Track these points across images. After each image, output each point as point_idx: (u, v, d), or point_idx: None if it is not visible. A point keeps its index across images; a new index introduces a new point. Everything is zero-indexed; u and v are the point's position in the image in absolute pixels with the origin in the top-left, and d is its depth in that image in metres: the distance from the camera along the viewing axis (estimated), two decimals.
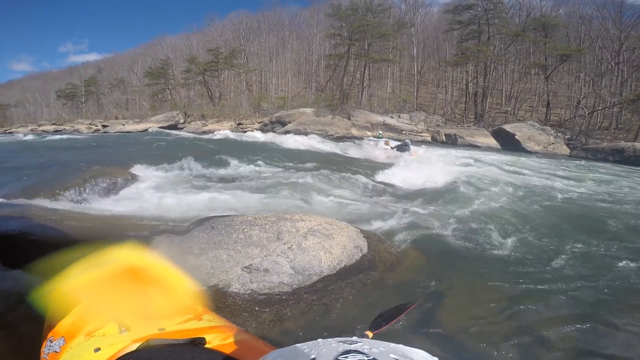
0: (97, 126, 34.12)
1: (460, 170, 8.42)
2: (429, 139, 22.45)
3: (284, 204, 4.98)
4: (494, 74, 29.07)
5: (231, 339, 0.95)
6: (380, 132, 20.82)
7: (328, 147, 13.96)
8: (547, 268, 3.33)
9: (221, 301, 2.32)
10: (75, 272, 0.98)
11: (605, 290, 2.95)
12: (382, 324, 1.15)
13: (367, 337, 1.06)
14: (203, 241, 2.80)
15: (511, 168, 10.50)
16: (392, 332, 2.15)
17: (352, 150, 12.66)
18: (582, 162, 14.63)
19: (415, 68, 34.11)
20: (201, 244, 2.77)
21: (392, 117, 25.08)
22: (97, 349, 0.86)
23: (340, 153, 12.07)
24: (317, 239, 2.87)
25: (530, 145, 19.41)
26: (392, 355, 0.42)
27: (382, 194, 6.26)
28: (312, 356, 0.43)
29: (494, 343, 2.25)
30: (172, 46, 45.73)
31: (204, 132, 23.40)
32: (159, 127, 26.40)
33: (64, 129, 34.28)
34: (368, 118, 23.79)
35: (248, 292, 2.42)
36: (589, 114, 23.08)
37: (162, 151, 9.79)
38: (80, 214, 3.85)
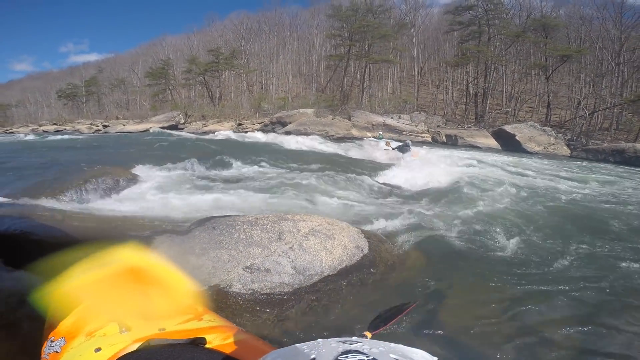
0: (97, 126, 34.17)
1: (462, 171, 8.43)
2: (430, 139, 22.44)
3: (287, 205, 4.99)
4: (494, 75, 29.06)
5: (231, 339, 0.95)
6: (381, 132, 20.83)
7: (329, 148, 13.98)
8: (550, 269, 3.32)
9: (222, 301, 2.32)
10: (76, 273, 0.98)
11: (608, 292, 2.94)
12: (380, 325, 1.15)
13: (366, 338, 1.05)
14: (204, 241, 2.80)
15: (513, 169, 10.49)
16: (393, 332, 2.15)
17: (353, 151, 12.67)
18: (584, 163, 14.60)
19: (416, 69, 34.11)
20: (202, 244, 2.77)
21: (392, 118, 25.08)
22: (98, 349, 0.86)
23: (342, 154, 12.07)
24: (318, 239, 2.87)
25: (530, 146, 19.40)
26: (392, 355, 0.42)
27: (383, 194, 6.26)
28: (312, 356, 0.43)
29: (494, 343, 2.24)
30: (173, 46, 45.76)
31: (205, 133, 23.43)
32: (160, 128, 26.43)
33: (65, 129, 34.33)
34: (368, 119, 23.78)
35: (249, 292, 2.42)
36: (589, 114, 23.06)
37: (165, 151, 9.81)
38: (81, 214, 3.86)
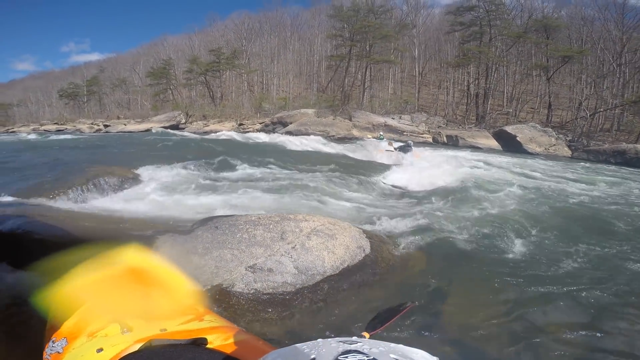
0: (99, 126, 34.30)
1: (465, 172, 8.42)
2: (430, 140, 22.46)
3: (291, 205, 5.00)
4: (495, 76, 29.06)
5: (232, 339, 0.95)
6: (382, 133, 20.81)
7: (332, 149, 14.02)
8: (556, 271, 3.29)
9: (225, 300, 2.32)
10: (78, 273, 0.98)
11: (614, 294, 2.91)
12: (378, 326, 1.15)
13: (365, 338, 1.05)
14: (207, 241, 2.80)
15: (519, 170, 10.48)
16: (393, 332, 2.15)
17: (355, 152, 12.69)
18: (587, 165, 14.57)
19: (417, 69, 34.10)
20: (205, 244, 2.77)
21: (393, 119, 25.09)
22: (100, 350, 0.85)
23: (344, 154, 12.09)
24: (320, 239, 2.87)
25: (531, 147, 19.39)
26: (392, 355, 0.42)
27: (385, 194, 6.27)
28: (312, 356, 0.43)
29: (496, 344, 2.24)
30: (174, 46, 45.83)
31: (206, 133, 23.48)
32: (162, 127, 26.51)
33: (66, 129, 34.51)
34: (369, 119, 23.80)
35: (252, 291, 2.42)
36: (590, 115, 23.04)
37: (169, 151, 9.84)
38: (84, 213, 3.87)
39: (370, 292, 2.71)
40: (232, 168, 7.64)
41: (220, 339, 0.94)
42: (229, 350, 0.90)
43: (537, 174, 9.80)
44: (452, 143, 21.35)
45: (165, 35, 49.70)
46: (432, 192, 6.29)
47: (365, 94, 31.51)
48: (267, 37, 41.68)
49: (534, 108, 28.94)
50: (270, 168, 7.94)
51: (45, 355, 0.90)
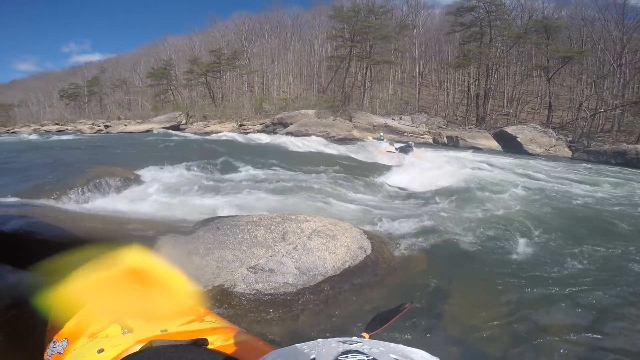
0: (99, 126, 34.32)
1: (466, 173, 8.39)
2: (431, 141, 22.46)
3: (295, 206, 4.99)
4: (495, 76, 29.07)
5: (233, 340, 0.95)
6: (382, 134, 20.82)
7: (333, 149, 14.01)
8: (558, 272, 3.26)
9: (226, 301, 2.32)
10: (79, 275, 0.98)
11: (617, 295, 2.90)
12: (377, 326, 1.15)
13: (364, 339, 1.05)
14: (209, 241, 2.80)
15: (521, 170, 10.45)
16: (394, 333, 2.14)
17: (356, 153, 12.69)
18: (589, 165, 14.54)
19: (417, 70, 34.11)
20: (207, 244, 2.77)
21: (393, 119, 25.11)
22: (101, 350, 0.85)
23: (346, 155, 12.08)
24: (321, 240, 2.87)
25: (532, 148, 19.38)
26: (392, 355, 0.42)
27: (386, 195, 6.26)
28: (312, 356, 0.43)
29: (496, 345, 2.23)
30: (175, 47, 45.87)
31: (206, 133, 23.49)
32: (162, 128, 26.55)
33: (67, 129, 34.51)
34: (370, 120, 23.81)
35: (253, 292, 2.42)
36: (591, 116, 23.03)
37: (171, 152, 9.81)
38: (85, 214, 3.87)
39: (371, 293, 2.71)
40: (235, 169, 7.60)
41: (221, 339, 0.94)
42: (229, 351, 0.90)
43: (540, 175, 9.77)
44: (453, 144, 21.34)
45: (165, 35, 49.87)
46: (434, 193, 6.27)
47: (366, 94, 31.53)
48: (267, 38, 41.72)
49: (534, 109, 28.93)
50: (273, 169, 7.91)
51: (46, 356, 0.90)
